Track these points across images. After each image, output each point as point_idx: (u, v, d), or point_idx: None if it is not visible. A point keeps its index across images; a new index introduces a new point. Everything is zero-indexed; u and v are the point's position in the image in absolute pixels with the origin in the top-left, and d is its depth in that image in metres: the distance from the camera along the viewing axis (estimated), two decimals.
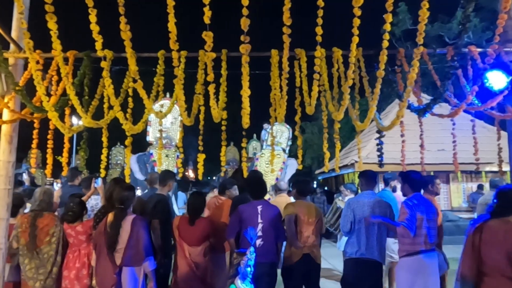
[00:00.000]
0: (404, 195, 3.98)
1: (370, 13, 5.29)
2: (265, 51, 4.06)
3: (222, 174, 6.99)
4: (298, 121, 4.50)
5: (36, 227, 3.86)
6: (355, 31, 3.65)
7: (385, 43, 3.77)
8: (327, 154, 4.64)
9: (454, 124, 4.63)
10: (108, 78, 3.90)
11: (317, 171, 19.53)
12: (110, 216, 3.55)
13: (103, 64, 3.93)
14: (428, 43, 14.92)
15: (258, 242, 3.84)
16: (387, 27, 3.62)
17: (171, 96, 4.86)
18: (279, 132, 10.33)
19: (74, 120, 12.62)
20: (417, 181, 3.90)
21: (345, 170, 13.14)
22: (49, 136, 4.51)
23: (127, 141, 4.60)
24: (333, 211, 6.10)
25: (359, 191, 4.66)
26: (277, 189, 5.85)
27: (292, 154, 13.05)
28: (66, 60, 4.06)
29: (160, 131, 4.84)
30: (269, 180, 8.68)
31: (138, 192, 7.01)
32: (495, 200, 2.95)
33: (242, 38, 3.68)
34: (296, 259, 4.10)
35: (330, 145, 4.75)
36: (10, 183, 3.95)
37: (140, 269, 3.50)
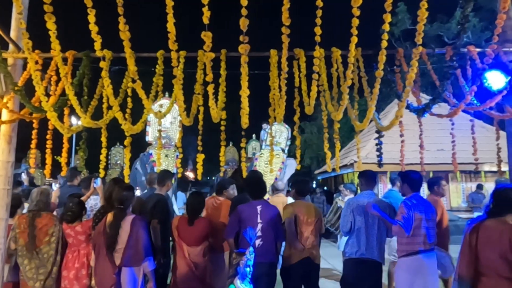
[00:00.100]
0: (403, 195, 3.98)
1: (369, 13, 5.30)
2: (264, 51, 4.06)
3: (221, 174, 6.96)
4: (297, 121, 4.50)
5: (35, 227, 3.86)
6: (354, 31, 3.66)
7: (384, 43, 3.77)
8: (328, 154, 4.64)
9: (453, 124, 4.63)
10: (107, 78, 3.89)
11: (316, 171, 19.53)
12: (110, 216, 3.55)
13: (102, 64, 3.92)
14: (427, 43, 14.88)
15: (258, 242, 3.84)
16: (386, 27, 3.63)
17: (170, 96, 4.86)
18: (278, 132, 10.32)
19: (73, 120, 12.61)
20: (416, 181, 3.91)
21: (345, 170, 13.14)
22: (48, 136, 4.50)
23: (126, 141, 4.59)
24: (334, 211, 6.10)
25: (359, 191, 4.66)
26: (274, 189, 5.85)
27: (291, 154, 13.04)
28: (65, 60, 4.06)
29: (159, 131, 4.83)
30: (269, 180, 8.66)
31: (138, 192, 7.01)
32: (491, 200, 2.96)
33: (241, 38, 3.68)
34: (296, 260, 4.10)
35: (330, 145, 4.75)
36: (9, 183, 3.95)
37: (139, 269, 3.49)
